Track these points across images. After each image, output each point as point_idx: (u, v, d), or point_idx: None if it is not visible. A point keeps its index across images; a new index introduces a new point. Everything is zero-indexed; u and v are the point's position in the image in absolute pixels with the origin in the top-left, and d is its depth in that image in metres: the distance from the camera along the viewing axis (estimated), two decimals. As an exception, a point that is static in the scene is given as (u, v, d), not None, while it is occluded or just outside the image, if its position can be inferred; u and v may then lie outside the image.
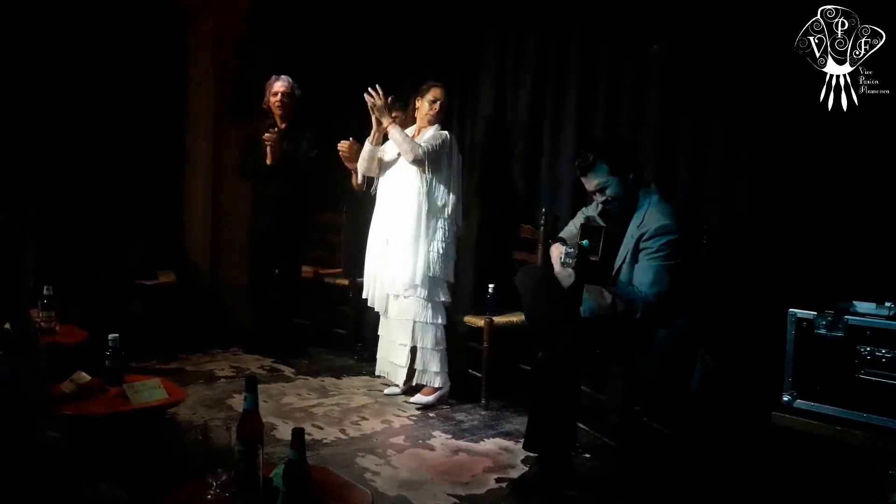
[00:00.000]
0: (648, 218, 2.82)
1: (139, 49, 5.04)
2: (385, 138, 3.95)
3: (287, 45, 5.30)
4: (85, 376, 2.74)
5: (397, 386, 4.06)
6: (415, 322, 3.86)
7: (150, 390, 2.76)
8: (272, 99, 4.62)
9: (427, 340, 3.86)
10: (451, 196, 3.87)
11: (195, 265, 5.36)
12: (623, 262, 2.87)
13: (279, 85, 4.62)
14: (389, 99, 3.86)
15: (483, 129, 4.39)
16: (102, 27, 4.84)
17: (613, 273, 2.89)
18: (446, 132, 3.90)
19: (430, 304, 3.85)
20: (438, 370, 3.87)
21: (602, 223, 3.02)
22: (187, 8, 5.23)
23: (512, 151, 4.25)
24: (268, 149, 4.53)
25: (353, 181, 4.35)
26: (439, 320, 3.88)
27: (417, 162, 3.76)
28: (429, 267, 3.79)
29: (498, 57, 4.32)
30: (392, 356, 4.02)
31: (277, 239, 4.75)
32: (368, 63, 5.27)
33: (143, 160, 5.13)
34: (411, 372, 3.96)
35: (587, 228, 2.95)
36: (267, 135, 4.51)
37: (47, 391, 2.53)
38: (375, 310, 4.10)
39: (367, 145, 3.96)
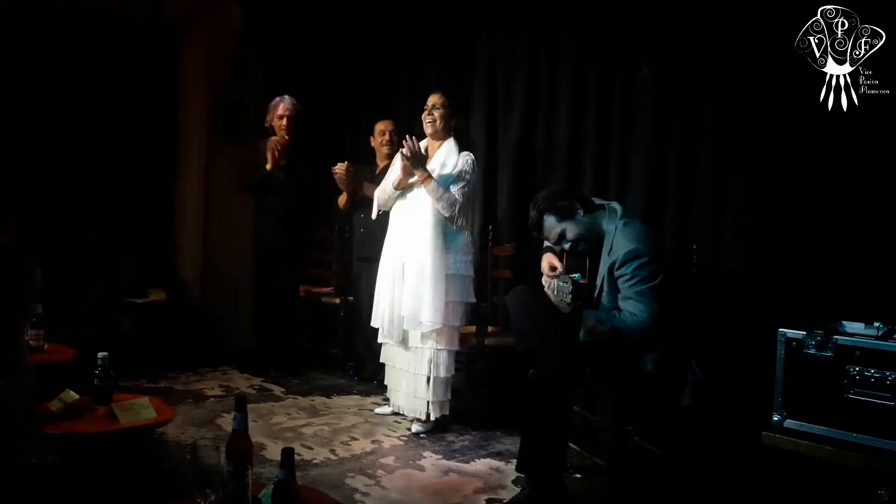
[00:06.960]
0: (616, 245, 2.79)
1: (131, 66, 5.06)
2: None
3: (278, 63, 5.33)
4: (73, 395, 2.72)
5: (421, 422, 3.74)
6: (435, 350, 3.65)
7: (138, 409, 2.75)
8: (278, 122, 4.61)
9: (441, 369, 3.67)
10: (472, 215, 3.81)
11: (186, 283, 5.34)
12: (601, 290, 2.86)
13: (283, 108, 4.62)
14: (425, 149, 3.69)
15: (476, 144, 4.40)
16: (94, 44, 4.87)
17: (595, 295, 2.90)
18: (470, 155, 3.69)
19: (448, 330, 3.65)
20: (446, 399, 3.73)
21: None
22: (179, 26, 5.25)
23: (505, 166, 4.28)
24: (269, 154, 4.53)
25: (340, 201, 4.36)
26: (454, 346, 3.71)
27: (456, 213, 3.60)
28: (448, 292, 3.59)
29: (490, 75, 4.37)
30: (417, 391, 3.72)
31: (279, 256, 4.76)
32: (359, 82, 5.30)
33: (134, 177, 5.14)
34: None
35: (571, 257, 2.95)
36: (273, 138, 4.55)
37: (36, 411, 2.51)
38: (391, 344, 3.81)
39: (390, 188, 3.74)
